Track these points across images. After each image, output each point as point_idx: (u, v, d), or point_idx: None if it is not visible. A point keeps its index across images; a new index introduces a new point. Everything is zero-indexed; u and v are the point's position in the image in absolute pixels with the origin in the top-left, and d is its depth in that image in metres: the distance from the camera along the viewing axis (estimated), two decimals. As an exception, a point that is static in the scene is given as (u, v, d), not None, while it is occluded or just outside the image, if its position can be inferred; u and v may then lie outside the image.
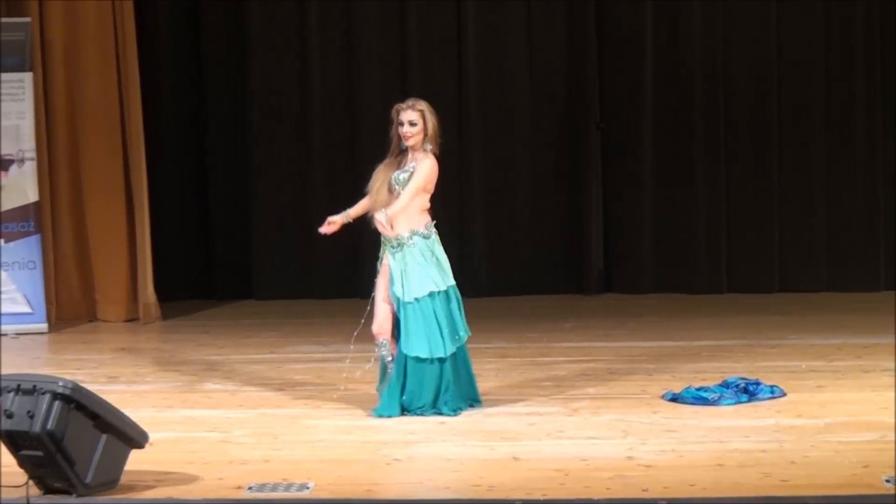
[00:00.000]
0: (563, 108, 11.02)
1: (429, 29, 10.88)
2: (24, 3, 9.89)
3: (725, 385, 7.39)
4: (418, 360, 6.96)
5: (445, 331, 6.99)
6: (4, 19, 9.77)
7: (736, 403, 7.19)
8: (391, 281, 7.01)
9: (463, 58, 10.89)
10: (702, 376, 7.74)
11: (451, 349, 7.01)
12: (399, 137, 7.03)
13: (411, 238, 7.00)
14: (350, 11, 10.85)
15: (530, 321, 9.85)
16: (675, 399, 7.28)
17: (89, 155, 10.12)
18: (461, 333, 7.07)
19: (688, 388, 7.37)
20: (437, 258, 7.03)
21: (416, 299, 6.95)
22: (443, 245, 6.95)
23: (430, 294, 6.98)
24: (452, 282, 7.09)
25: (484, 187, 10.98)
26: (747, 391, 7.32)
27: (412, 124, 6.98)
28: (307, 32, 10.82)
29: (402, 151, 7.07)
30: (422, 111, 7.00)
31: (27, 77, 9.73)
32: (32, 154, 9.76)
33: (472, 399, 7.18)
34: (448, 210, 10.97)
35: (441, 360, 6.99)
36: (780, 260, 10.98)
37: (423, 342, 6.94)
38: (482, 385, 7.62)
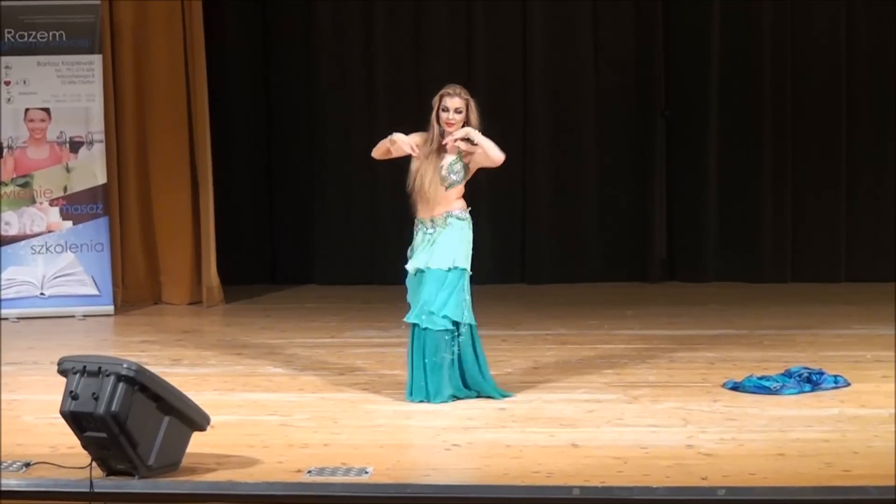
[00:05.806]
0: (628, 96, 10.95)
1: (494, 24, 10.84)
2: (94, -16, 9.99)
3: (788, 374, 7.33)
4: (440, 330, 6.89)
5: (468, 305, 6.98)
6: (75, 2, 9.84)
7: (799, 393, 7.13)
8: (412, 254, 6.99)
9: (528, 47, 10.84)
10: (764, 365, 7.68)
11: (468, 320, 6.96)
12: (439, 124, 6.95)
13: (446, 220, 6.98)
14: (417, 7, 10.86)
15: (592, 308, 9.81)
16: (736, 388, 7.23)
17: (156, 138, 10.18)
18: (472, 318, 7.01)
19: (749, 377, 7.31)
20: (468, 242, 6.99)
21: (452, 269, 6.91)
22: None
23: (465, 269, 6.95)
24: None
25: (548, 175, 10.94)
26: (810, 381, 7.25)
27: (458, 111, 6.92)
28: (374, 22, 10.84)
29: (441, 145, 6.96)
30: (467, 100, 6.94)
31: (96, 59, 9.78)
32: (101, 136, 9.81)
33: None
34: (513, 198, 11.00)
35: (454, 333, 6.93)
36: (846, 249, 10.86)
37: (458, 308, 6.91)
38: (542, 372, 7.62)
